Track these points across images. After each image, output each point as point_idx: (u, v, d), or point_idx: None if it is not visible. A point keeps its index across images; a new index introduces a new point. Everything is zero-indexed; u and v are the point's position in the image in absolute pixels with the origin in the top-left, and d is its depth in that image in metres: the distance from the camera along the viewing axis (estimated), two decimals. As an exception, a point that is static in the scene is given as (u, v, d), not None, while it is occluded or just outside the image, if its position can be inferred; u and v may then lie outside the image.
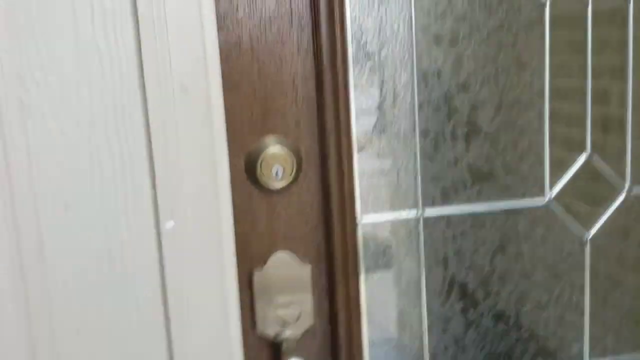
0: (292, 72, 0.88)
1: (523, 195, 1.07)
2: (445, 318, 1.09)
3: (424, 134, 1.02)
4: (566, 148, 1.07)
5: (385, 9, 0.97)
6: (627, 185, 1.09)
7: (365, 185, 0.99)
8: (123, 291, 0.83)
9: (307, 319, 0.94)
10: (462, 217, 1.06)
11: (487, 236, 1.08)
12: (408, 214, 1.02)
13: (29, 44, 0.76)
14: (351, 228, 0.93)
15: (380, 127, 1.01)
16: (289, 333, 0.92)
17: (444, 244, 1.06)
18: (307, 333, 0.94)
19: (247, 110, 0.87)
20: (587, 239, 1.09)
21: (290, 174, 0.89)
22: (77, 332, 0.83)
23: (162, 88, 0.79)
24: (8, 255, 0.79)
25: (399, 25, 0.97)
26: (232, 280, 0.87)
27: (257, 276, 0.91)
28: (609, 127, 1.08)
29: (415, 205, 1.02)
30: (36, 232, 0.80)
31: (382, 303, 1.08)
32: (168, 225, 0.82)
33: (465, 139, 1.04)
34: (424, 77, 1.00)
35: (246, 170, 0.89)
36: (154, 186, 0.81)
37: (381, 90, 1.00)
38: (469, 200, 1.05)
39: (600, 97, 1.06)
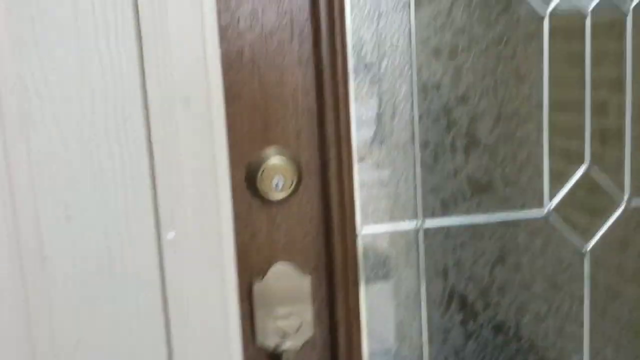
0: (292, 83, 0.88)
1: (522, 206, 1.07)
2: (445, 329, 1.09)
3: (424, 145, 1.02)
4: (565, 160, 1.08)
5: (385, 22, 0.97)
6: (626, 196, 1.09)
7: (365, 196, 0.99)
8: (124, 301, 0.83)
9: (307, 330, 0.94)
10: (462, 229, 1.06)
11: (486, 247, 1.08)
12: (408, 225, 1.02)
13: (31, 54, 0.76)
14: (351, 239, 0.93)
15: (380, 138, 1.02)
16: (289, 344, 0.92)
17: (444, 255, 1.07)
18: (307, 344, 0.94)
19: (248, 121, 0.88)
20: (586, 250, 1.09)
21: (291, 185, 0.89)
22: (78, 341, 0.83)
23: (163, 99, 0.80)
24: (9, 263, 0.79)
25: (398, 38, 0.98)
26: (232, 291, 0.87)
27: (257, 287, 0.91)
28: (608, 138, 1.09)
29: (415, 216, 1.02)
30: (37, 241, 0.80)
31: (382, 314, 1.08)
32: (169, 235, 0.82)
33: (465, 150, 1.04)
34: (423, 89, 1.01)
35: (246, 181, 0.89)
36: (155, 196, 0.82)
37: (381, 101, 1.00)
38: (468, 211, 1.05)
39: (599, 109, 1.06)
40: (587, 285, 1.09)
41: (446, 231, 1.06)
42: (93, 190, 0.80)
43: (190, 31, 0.80)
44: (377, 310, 1.05)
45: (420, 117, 1.01)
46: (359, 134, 0.97)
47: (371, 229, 1.00)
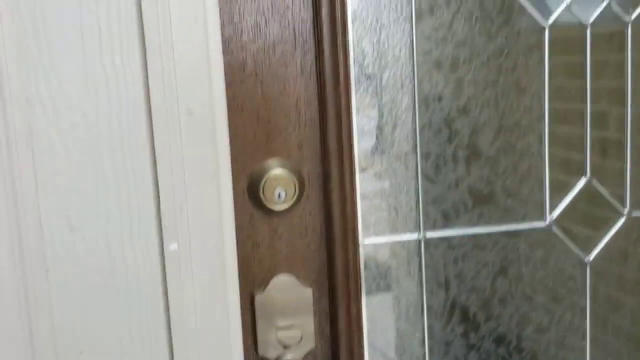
0: (295, 95, 0.89)
1: (524, 218, 1.07)
2: (446, 341, 1.09)
3: (425, 156, 1.02)
4: (566, 171, 1.08)
5: (387, 34, 0.98)
6: (627, 208, 1.09)
7: (367, 207, 0.99)
8: (127, 312, 0.83)
9: (309, 342, 0.93)
10: (464, 240, 1.06)
11: (488, 259, 1.08)
12: (409, 236, 1.02)
13: (37, 67, 0.77)
14: (353, 250, 0.93)
15: (382, 149, 1.02)
16: (291, 356, 0.92)
17: (445, 267, 1.07)
18: (309, 356, 0.94)
19: (251, 133, 0.88)
20: (587, 261, 1.09)
21: (293, 196, 0.89)
22: (80, 353, 0.82)
23: (168, 112, 0.80)
24: (14, 276, 0.79)
25: (400, 49, 0.98)
26: (234, 302, 0.87)
27: (259, 298, 0.91)
28: (609, 150, 1.09)
29: (416, 228, 1.02)
30: (41, 252, 0.80)
31: (383, 325, 1.07)
32: (172, 246, 0.82)
33: (466, 161, 1.04)
34: (425, 101, 1.01)
35: (249, 191, 0.89)
36: (158, 208, 0.82)
37: (383, 112, 1.00)
38: (470, 223, 1.05)
39: (600, 121, 1.06)
40: (588, 297, 1.09)
41: (448, 242, 1.06)
42: (97, 202, 0.81)
43: (194, 43, 0.80)
44: (378, 321, 1.04)
45: (421, 128, 1.01)
46: (361, 144, 0.97)
47: (373, 240, 1.00)
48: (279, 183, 0.88)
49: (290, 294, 0.92)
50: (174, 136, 0.81)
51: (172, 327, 0.84)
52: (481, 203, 1.06)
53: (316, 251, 0.93)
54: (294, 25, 0.87)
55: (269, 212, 0.90)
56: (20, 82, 0.76)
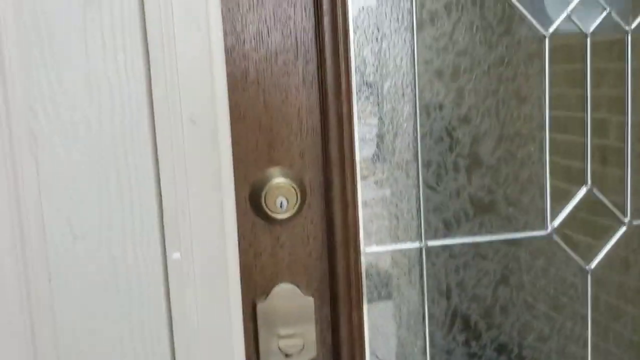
0: (297, 103, 0.89)
1: (525, 226, 1.08)
2: (447, 349, 1.09)
3: (426, 165, 1.02)
4: (567, 180, 1.08)
5: (389, 43, 0.98)
6: (627, 217, 1.09)
7: (368, 215, 0.99)
8: (129, 321, 0.83)
9: (310, 351, 0.93)
10: (464, 248, 1.06)
11: (489, 267, 1.08)
12: (411, 244, 1.02)
13: (40, 76, 0.77)
14: (354, 259, 0.93)
15: (383, 158, 1.02)
16: (292, 364, 0.92)
17: (447, 275, 1.07)
18: (311, 364, 0.94)
19: (253, 141, 0.88)
20: (588, 270, 1.09)
21: (295, 205, 0.89)
22: (81, 353, 0.82)
23: (171, 120, 0.80)
24: (17, 284, 0.79)
25: (401, 59, 0.99)
26: (237, 311, 0.87)
27: (261, 307, 0.91)
28: (609, 159, 1.09)
29: (417, 236, 1.02)
30: (44, 260, 0.80)
31: (384, 334, 1.07)
32: (174, 255, 0.82)
33: (467, 170, 1.05)
34: (426, 109, 1.01)
35: (250, 200, 0.90)
36: (161, 217, 0.82)
37: (384, 121, 1.01)
38: (471, 231, 1.05)
39: (600, 129, 1.07)
40: (589, 305, 1.09)
41: (449, 251, 1.06)
42: (100, 211, 0.81)
43: (197, 52, 0.80)
44: (379, 330, 1.04)
45: (422, 137, 1.01)
46: (362, 153, 0.97)
47: (374, 248, 1.00)
48: (281, 192, 0.88)
49: (292, 303, 0.92)
50: (177, 144, 0.81)
51: (174, 335, 0.84)
52: (482, 211, 1.06)
53: (318, 260, 0.93)
54: (295, 34, 0.87)
55: (271, 220, 0.90)
56: (24, 90, 0.76)
